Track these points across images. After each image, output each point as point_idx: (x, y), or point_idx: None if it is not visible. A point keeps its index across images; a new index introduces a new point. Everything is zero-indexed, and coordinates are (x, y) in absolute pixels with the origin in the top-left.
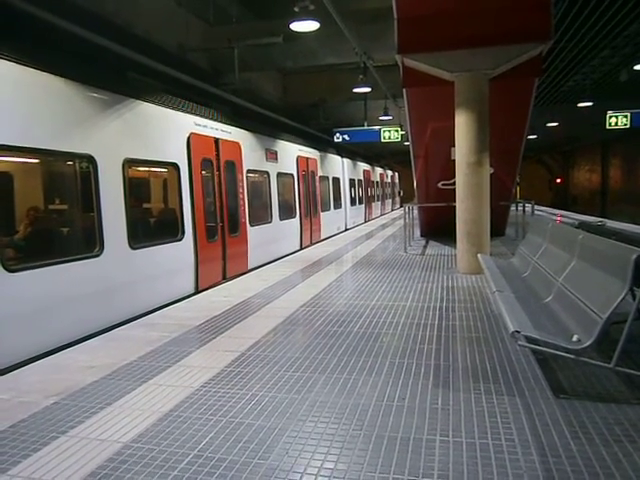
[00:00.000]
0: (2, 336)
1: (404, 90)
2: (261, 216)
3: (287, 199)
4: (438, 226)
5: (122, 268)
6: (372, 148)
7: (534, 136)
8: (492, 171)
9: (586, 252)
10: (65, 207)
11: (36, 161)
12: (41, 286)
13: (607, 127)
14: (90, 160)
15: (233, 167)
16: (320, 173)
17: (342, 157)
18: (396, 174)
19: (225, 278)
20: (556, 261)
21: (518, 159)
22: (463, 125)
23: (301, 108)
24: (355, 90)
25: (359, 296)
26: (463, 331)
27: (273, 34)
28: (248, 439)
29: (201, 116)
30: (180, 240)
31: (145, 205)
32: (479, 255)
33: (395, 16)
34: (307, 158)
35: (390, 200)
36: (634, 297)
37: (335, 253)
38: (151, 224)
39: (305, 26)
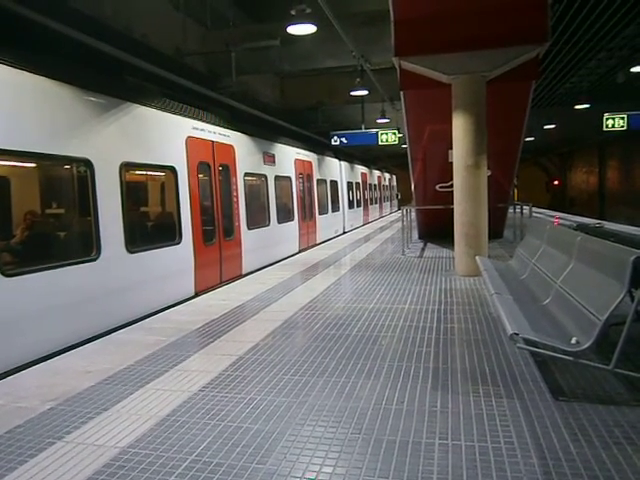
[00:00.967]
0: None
1: (401, 93)
2: (259, 219)
3: (285, 202)
4: (436, 228)
5: (119, 272)
6: (369, 151)
7: (531, 138)
8: (489, 173)
9: (584, 254)
10: (62, 211)
11: (33, 165)
12: (38, 290)
13: (604, 129)
14: (87, 164)
15: (227, 170)
16: (318, 176)
17: (340, 160)
18: (394, 177)
19: (221, 282)
20: (554, 263)
21: (515, 161)
22: (460, 127)
23: (299, 111)
24: (352, 93)
25: (357, 299)
26: (461, 334)
27: (270, 37)
28: (246, 443)
29: (198, 120)
30: (178, 244)
31: (142, 209)
32: (477, 257)
33: (392, 19)
34: (305, 161)
35: (388, 203)
36: (632, 299)
37: (333, 256)
38: (149, 228)
39: (302, 29)
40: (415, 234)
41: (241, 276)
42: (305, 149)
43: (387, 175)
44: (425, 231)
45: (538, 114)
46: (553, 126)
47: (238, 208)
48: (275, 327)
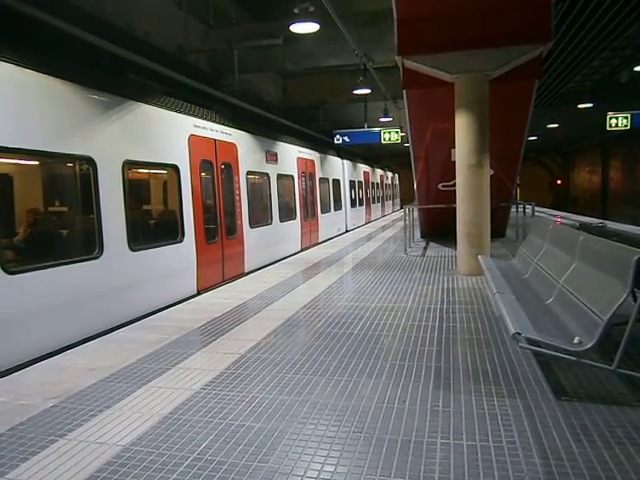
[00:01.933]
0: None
1: (404, 91)
2: (261, 218)
3: (287, 201)
4: (438, 227)
5: (122, 270)
6: (372, 149)
7: (534, 137)
8: (492, 172)
9: (587, 254)
10: (65, 209)
11: (37, 163)
12: (41, 288)
13: (607, 128)
14: (90, 162)
15: (230, 169)
16: (320, 175)
17: (342, 159)
18: (396, 175)
19: (224, 280)
20: (557, 262)
21: (518, 160)
22: (463, 126)
23: (301, 110)
24: (355, 92)
25: (359, 298)
26: (464, 333)
27: (273, 36)
28: (248, 442)
29: (200, 118)
30: (180, 242)
31: (145, 207)
32: (479, 256)
33: (395, 17)
34: (307, 160)
35: (390, 202)
36: (635, 299)
37: (335, 255)
38: (151, 226)
39: (305, 28)
40: (417, 233)
41: (243, 274)
42: (307, 147)
43: (389, 174)
44: (427, 230)
45: (541, 113)
46: (556, 125)
47: (240, 206)
48: (277, 325)
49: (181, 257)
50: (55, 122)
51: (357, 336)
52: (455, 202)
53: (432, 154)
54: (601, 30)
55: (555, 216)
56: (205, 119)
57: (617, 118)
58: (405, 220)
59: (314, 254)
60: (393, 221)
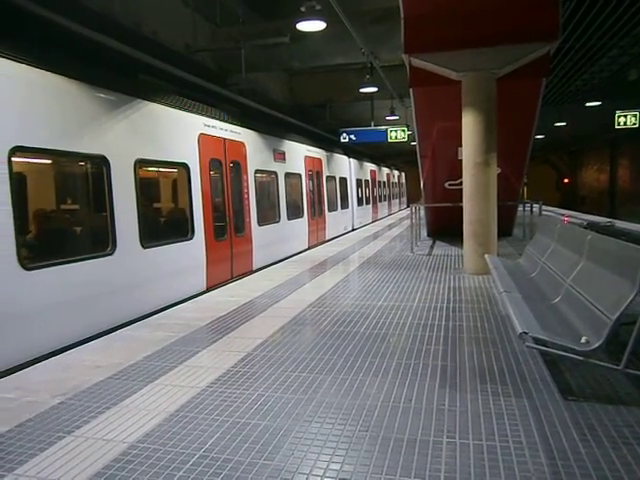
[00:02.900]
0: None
1: (411, 90)
2: (269, 216)
3: (295, 199)
4: (445, 226)
5: (133, 267)
6: (378, 148)
7: (541, 136)
8: (499, 171)
9: (595, 253)
10: (78, 207)
11: (49, 162)
12: (56, 284)
13: (616, 127)
14: (103, 160)
15: (239, 167)
16: (327, 173)
17: (349, 157)
18: (402, 174)
19: (232, 277)
20: (564, 262)
21: (525, 159)
22: (470, 125)
23: (307, 108)
24: (362, 90)
25: (365, 296)
26: (470, 332)
27: (280, 34)
28: (254, 440)
29: (210, 117)
30: (190, 239)
31: (156, 205)
32: (486, 255)
33: (402, 15)
34: (314, 158)
35: (397, 200)
36: None
37: (341, 253)
38: (162, 223)
39: (311, 26)
40: (424, 232)
41: (252, 272)
42: (315, 146)
43: (396, 172)
44: (434, 229)
45: (549, 112)
46: (564, 124)
47: (249, 205)
48: (283, 324)
49: (191, 254)
50: (75, 122)
51: (363, 335)
52: (462, 201)
53: (439, 152)
54: (609, 28)
55: (562, 215)
56: (215, 118)
57: (626, 116)
58: (411, 219)
59: (320, 252)
60: (400, 219)
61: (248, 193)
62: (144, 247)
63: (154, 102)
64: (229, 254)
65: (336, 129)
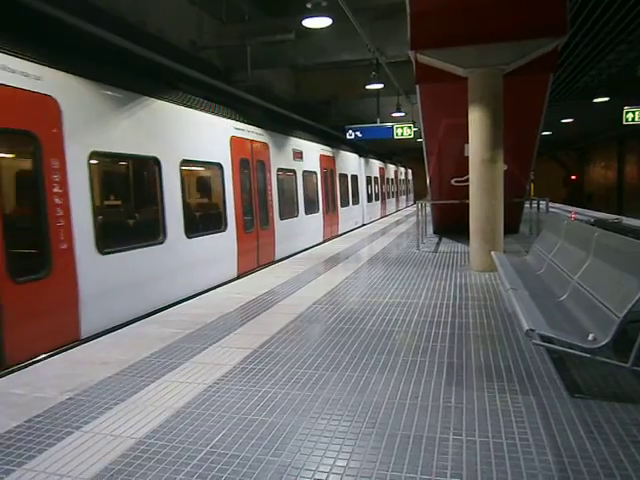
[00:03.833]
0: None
1: (417, 86)
2: (289, 211)
3: (311, 195)
4: (451, 223)
5: (181, 253)
6: (386, 145)
7: (548, 132)
8: (506, 168)
9: (602, 250)
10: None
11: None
12: (123, 267)
13: (624, 123)
14: (155, 161)
15: (263, 166)
16: (340, 171)
17: (359, 155)
18: (409, 171)
19: (258, 266)
20: (572, 259)
21: (532, 155)
22: (477, 121)
23: (313, 105)
24: (368, 87)
25: (372, 293)
26: (476, 329)
27: (285, 31)
28: (261, 436)
29: (239, 121)
30: (224, 231)
31: (196, 200)
32: (492, 252)
33: (408, 11)
34: (328, 157)
35: (404, 197)
36: None
37: (347, 250)
38: (202, 217)
39: (317, 22)
40: (430, 229)
41: (274, 262)
42: (328, 145)
43: (403, 169)
44: (440, 226)
45: (556, 108)
46: (571, 120)
47: (272, 200)
48: (289, 321)
49: (225, 244)
50: (139, 129)
51: (369, 332)
52: (468, 198)
53: (445, 149)
54: (618, 23)
55: (569, 212)
56: (243, 122)
57: (634, 112)
58: (417, 216)
59: (327, 249)
60: (406, 216)
61: (271, 190)
62: (188, 237)
63: (193, 109)
64: (256, 245)
65: (342, 126)
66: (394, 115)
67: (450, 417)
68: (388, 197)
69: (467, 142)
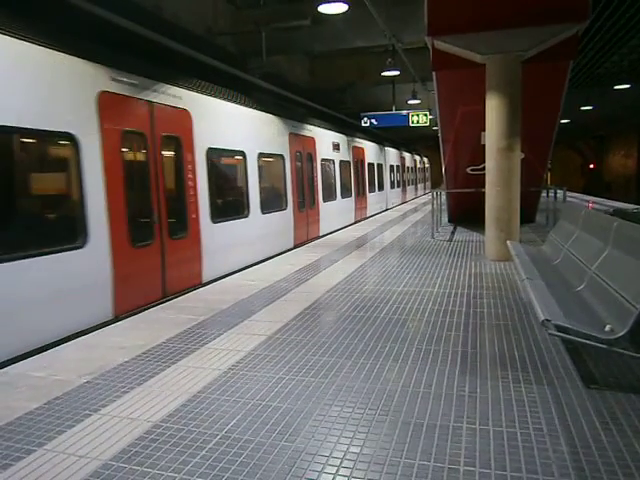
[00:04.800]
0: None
1: (433, 73)
2: (329, 194)
3: (346, 182)
4: (466, 212)
5: (259, 225)
6: (400, 133)
7: (567, 120)
8: (523, 156)
9: (621, 240)
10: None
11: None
12: (225, 233)
13: None
14: (242, 154)
15: (311, 157)
16: (368, 160)
17: (384, 146)
18: (426, 160)
19: (308, 239)
20: (589, 249)
21: (550, 144)
22: (494, 109)
23: (329, 92)
24: (384, 74)
25: (386, 282)
26: (491, 318)
27: (301, 17)
28: (275, 422)
29: (295, 120)
30: (285, 210)
31: (265, 184)
32: (508, 242)
33: None
34: (359, 147)
35: (422, 184)
36: None
37: (362, 238)
38: (272, 197)
39: (334, 8)
40: (445, 217)
41: (319, 237)
42: (359, 138)
43: (420, 158)
44: (455, 214)
45: (575, 95)
46: (590, 108)
47: (317, 185)
48: (304, 308)
49: (286, 220)
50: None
51: (383, 320)
52: (484, 186)
53: (461, 137)
54: None
55: (587, 201)
56: (298, 121)
57: None
58: (433, 204)
59: (341, 237)
60: (423, 204)
61: (317, 177)
62: (263, 213)
63: (270, 114)
64: (306, 222)
65: (357, 113)
66: (410, 102)
67: (464, 406)
68: (408, 184)
69: (484, 130)
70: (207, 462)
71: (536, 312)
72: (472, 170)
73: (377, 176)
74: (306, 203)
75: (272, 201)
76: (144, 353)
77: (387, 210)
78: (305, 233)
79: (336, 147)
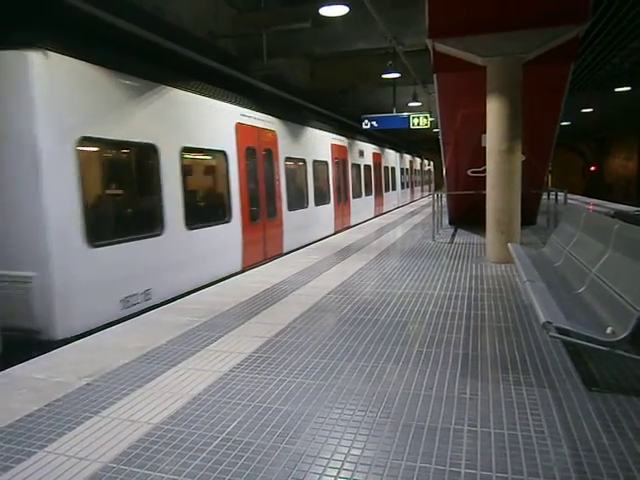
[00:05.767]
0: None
1: (434, 76)
2: (357, 193)
3: (367, 183)
4: (467, 214)
5: (313, 215)
6: (401, 135)
7: (568, 122)
8: (524, 158)
9: (622, 242)
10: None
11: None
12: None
13: None
14: (303, 161)
15: (344, 163)
16: (384, 164)
17: (396, 151)
18: (431, 163)
19: (343, 228)
20: (590, 251)
21: (551, 146)
22: (495, 111)
23: (329, 94)
24: (384, 76)
25: (386, 284)
26: (492, 321)
27: (302, 19)
28: (275, 424)
29: (335, 133)
30: (328, 204)
31: (319, 184)
32: (509, 244)
33: None
34: (377, 153)
35: (427, 185)
36: None
37: (363, 240)
38: (319, 194)
39: (334, 11)
40: (446, 219)
41: (350, 227)
42: (377, 145)
43: (426, 162)
44: (456, 217)
45: (576, 97)
46: (591, 110)
47: (349, 184)
48: (304, 310)
49: (329, 212)
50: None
51: (384, 322)
52: (485, 188)
53: (462, 139)
54: None
55: (588, 203)
56: (337, 134)
57: None
58: (433, 206)
59: (343, 239)
60: (423, 206)
61: (348, 178)
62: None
63: (319, 130)
64: (342, 213)
65: (358, 115)
66: (410, 105)
67: (465, 408)
68: (415, 185)
69: (485, 132)
70: (208, 464)
71: (537, 314)
72: (473, 172)
73: (391, 178)
74: (342, 198)
75: (317, 197)
76: (144, 355)
77: (398, 208)
78: (342, 223)
79: (362, 154)
